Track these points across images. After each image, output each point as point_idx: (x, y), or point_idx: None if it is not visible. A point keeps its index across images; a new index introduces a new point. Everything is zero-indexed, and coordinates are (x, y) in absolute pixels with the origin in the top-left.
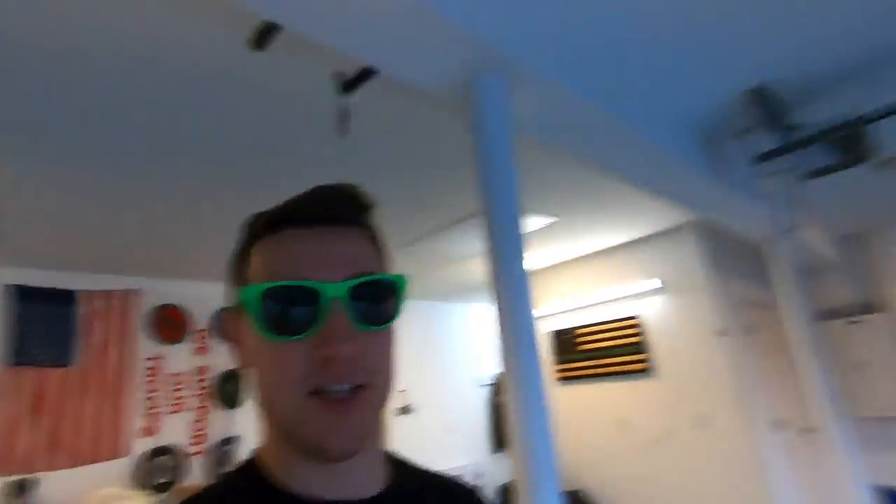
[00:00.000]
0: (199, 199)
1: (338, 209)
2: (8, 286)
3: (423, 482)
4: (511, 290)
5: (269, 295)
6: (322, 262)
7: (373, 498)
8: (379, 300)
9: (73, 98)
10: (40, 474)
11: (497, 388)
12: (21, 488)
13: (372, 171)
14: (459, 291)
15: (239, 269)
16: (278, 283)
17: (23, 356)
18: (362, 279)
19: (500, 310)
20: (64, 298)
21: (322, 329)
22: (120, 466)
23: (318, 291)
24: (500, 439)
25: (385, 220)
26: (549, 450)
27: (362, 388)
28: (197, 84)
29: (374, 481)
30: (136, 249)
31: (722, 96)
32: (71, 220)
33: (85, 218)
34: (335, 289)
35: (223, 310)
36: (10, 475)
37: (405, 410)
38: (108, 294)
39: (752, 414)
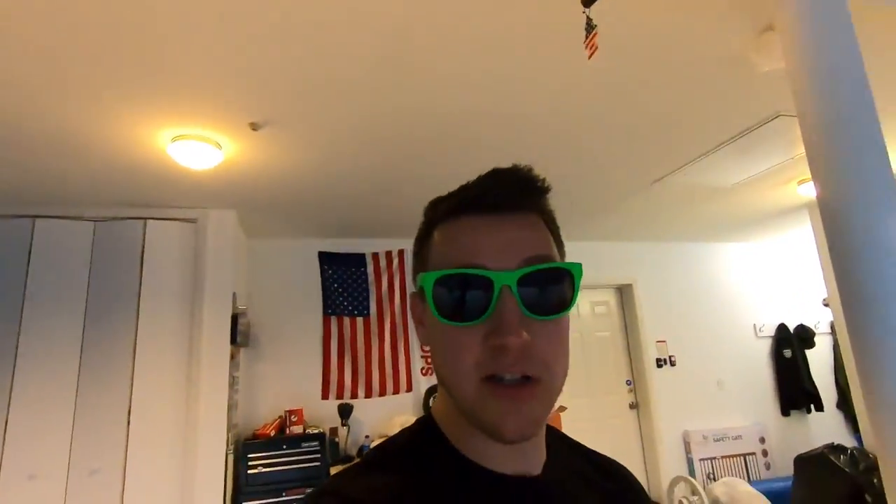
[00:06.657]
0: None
1: (515, 195)
2: (320, 253)
3: (581, 456)
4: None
5: (444, 282)
6: (497, 250)
7: (543, 472)
8: (552, 288)
9: None
10: (353, 401)
11: (786, 341)
12: (345, 410)
13: (623, 96)
14: (715, 230)
15: (420, 254)
16: (452, 271)
17: (333, 308)
18: (535, 267)
19: (838, 233)
20: (357, 260)
21: (493, 316)
22: (407, 399)
23: (490, 279)
24: (790, 400)
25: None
26: None
27: (531, 381)
28: None
29: (541, 456)
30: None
31: None
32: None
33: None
34: (507, 277)
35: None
36: (338, 399)
37: (665, 363)
38: (388, 254)
39: None
